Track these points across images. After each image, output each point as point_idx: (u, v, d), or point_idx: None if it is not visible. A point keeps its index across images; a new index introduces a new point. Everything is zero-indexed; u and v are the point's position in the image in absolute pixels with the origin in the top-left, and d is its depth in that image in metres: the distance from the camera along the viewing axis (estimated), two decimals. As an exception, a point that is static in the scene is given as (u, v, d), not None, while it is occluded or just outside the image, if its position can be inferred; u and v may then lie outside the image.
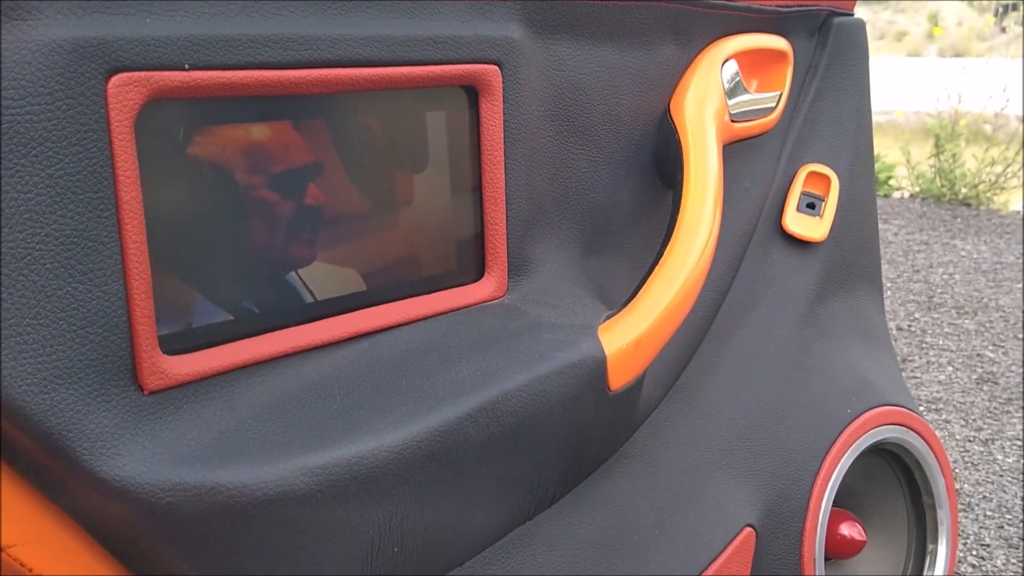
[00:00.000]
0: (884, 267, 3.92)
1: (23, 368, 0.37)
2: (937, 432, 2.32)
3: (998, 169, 5.16)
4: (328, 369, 0.48)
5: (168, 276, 0.43)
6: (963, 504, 2.04)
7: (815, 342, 0.81)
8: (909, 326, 3.20)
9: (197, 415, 0.43)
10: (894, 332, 3.15)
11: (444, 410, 0.47)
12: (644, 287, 0.59)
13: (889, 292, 3.58)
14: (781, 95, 0.78)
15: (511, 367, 0.50)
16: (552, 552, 0.60)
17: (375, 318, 0.51)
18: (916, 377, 2.76)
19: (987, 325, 3.19)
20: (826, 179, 0.81)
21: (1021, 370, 2.79)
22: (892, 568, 0.87)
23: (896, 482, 0.87)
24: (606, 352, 0.54)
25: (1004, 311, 3.33)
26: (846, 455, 0.77)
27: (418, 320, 0.53)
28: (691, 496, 0.70)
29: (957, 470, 2.19)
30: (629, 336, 0.56)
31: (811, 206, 0.81)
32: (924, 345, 3.02)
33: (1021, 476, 2.16)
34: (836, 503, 0.83)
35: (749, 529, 0.71)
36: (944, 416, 2.49)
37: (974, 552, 1.86)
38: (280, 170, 0.45)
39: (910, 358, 2.91)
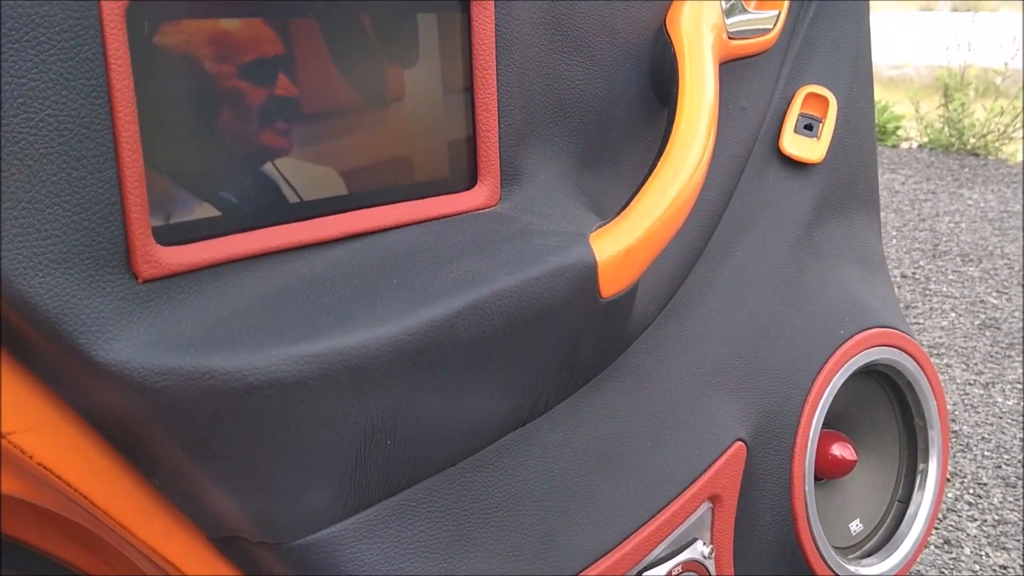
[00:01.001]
0: (890, 216, 3.90)
1: (19, 251, 0.38)
2: (938, 376, 2.33)
3: (1006, 119, 5.11)
4: (320, 267, 0.49)
5: (161, 168, 0.44)
6: (961, 445, 2.06)
7: (810, 264, 0.81)
8: (914, 273, 3.20)
9: (190, 305, 0.44)
10: (898, 280, 3.15)
11: (435, 307, 0.48)
12: (637, 198, 0.60)
13: (894, 240, 3.58)
14: (779, 14, 0.77)
15: (502, 269, 0.51)
16: (546, 458, 0.61)
17: (367, 220, 0.51)
18: (919, 323, 2.76)
19: (991, 272, 3.19)
20: (824, 100, 0.81)
21: (1023, 316, 2.79)
22: (883, 488, 0.89)
23: (888, 404, 0.88)
24: (597, 259, 0.55)
25: (1009, 259, 3.32)
26: (838, 375, 0.78)
27: (410, 224, 0.53)
28: (684, 411, 0.71)
29: (956, 412, 2.20)
30: (620, 244, 0.57)
31: (808, 127, 0.81)
32: (928, 292, 3.02)
33: (1020, 418, 2.18)
34: (829, 425, 0.84)
35: (740, 443, 0.72)
36: (945, 360, 2.50)
37: (971, 491, 1.89)
38: (274, 64, 0.45)
39: (913, 305, 2.91)
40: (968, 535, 1.74)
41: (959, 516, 1.80)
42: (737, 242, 0.79)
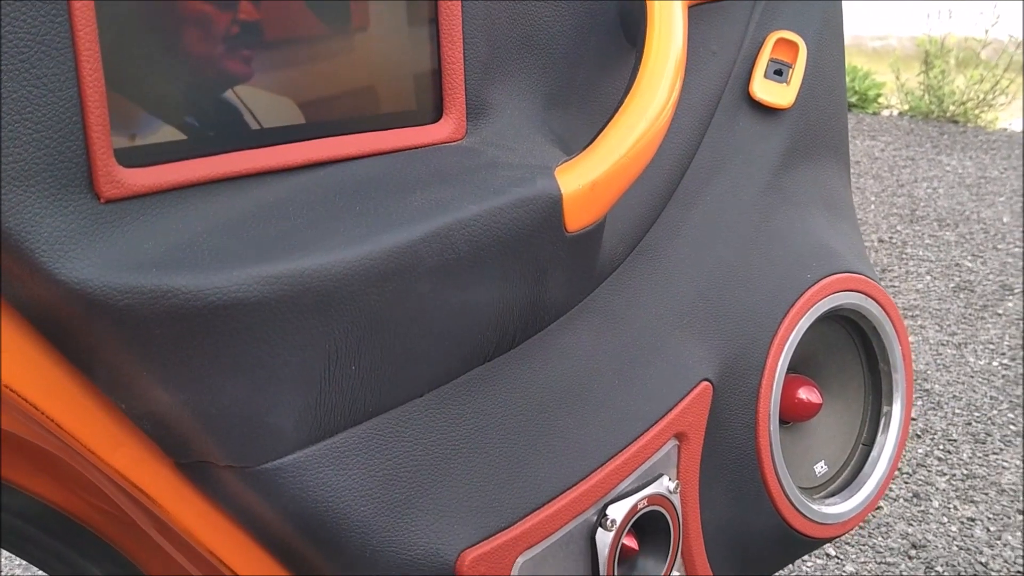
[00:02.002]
0: (869, 182, 3.93)
1: None
2: (912, 337, 2.37)
3: (986, 87, 5.14)
4: (283, 193, 0.49)
5: (123, 89, 0.44)
6: (933, 403, 2.10)
7: (778, 209, 0.82)
8: (891, 238, 3.23)
9: (153, 226, 0.44)
10: (875, 244, 3.18)
11: (398, 232, 0.48)
12: (603, 134, 0.60)
13: (873, 206, 3.61)
14: (750, -41, 0.78)
15: (466, 199, 0.51)
16: (514, 392, 0.62)
17: (331, 148, 0.52)
18: (894, 286, 2.80)
19: (967, 237, 3.22)
20: (794, 46, 0.81)
21: (998, 279, 2.83)
22: (848, 431, 0.90)
23: (854, 349, 0.90)
24: (562, 191, 0.55)
25: (985, 223, 3.36)
26: (804, 318, 0.79)
27: (374, 155, 0.53)
28: (652, 351, 0.72)
29: (929, 372, 2.24)
30: (586, 179, 0.57)
31: (778, 72, 0.81)
32: (904, 256, 3.05)
33: (991, 377, 2.22)
34: (795, 369, 0.85)
35: (706, 383, 0.73)
36: (920, 322, 2.54)
37: (941, 447, 1.93)
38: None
39: (890, 268, 2.94)
40: (937, 489, 1.78)
41: (928, 471, 1.84)
42: (707, 187, 0.80)
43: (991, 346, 2.38)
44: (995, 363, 2.29)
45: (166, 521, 0.54)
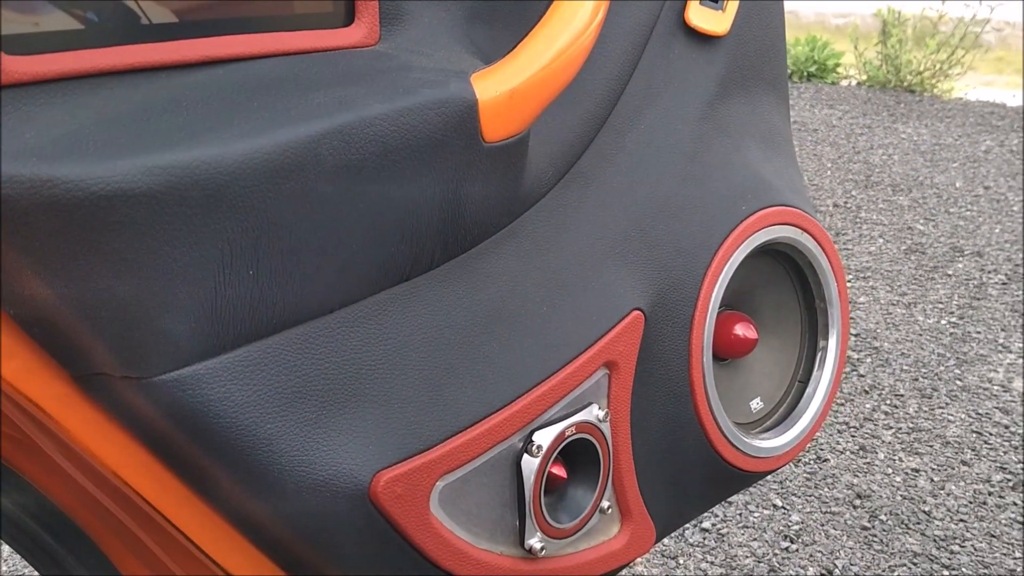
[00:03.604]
0: (826, 149, 3.95)
1: None
2: (863, 298, 2.39)
3: (942, 57, 5.19)
4: (178, 89, 0.47)
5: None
6: (881, 360, 2.13)
7: (714, 140, 0.81)
8: (845, 203, 3.26)
9: (36, 116, 0.42)
10: (831, 208, 3.21)
11: (295, 128, 0.46)
12: (523, 42, 0.58)
13: (829, 172, 3.63)
14: None
15: (373, 98, 0.49)
16: (434, 315, 0.60)
17: (232, 46, 0.49)
18: (848, 249, 2.82)
19: (920, 201, 3.25)
20: (729, -28, 0.80)
21: (949, 241, 2.86)
22: (784, 368, 0.90)
23: (790, 286, 0.89)
24: (478, 97, 0.53)
25: (938, 188, 3.40)
26: (738, 251, 0.78)
27: (279, 55, 0.51)
28: (582, 279, 0.70)
29: (879, 331, 2.27)
30: (504, 86, 0.55)
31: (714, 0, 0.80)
32: (858, 220, 3.08)
33: (938, 335, 2.25)
34: (731, 306, 0.84)
35: (638, 313, 0.72)
36: (871, 283, 2.56)
37: (888, 402, 1.95)
38: None
39: (843, 232, 2.97)
40: (883, 442, 1.80)
41: (875, 425, 1.86)
42: (641, 114, 0.78)
43: (940, 305, 2.41)
44: (943, 321, 2.32)
45: (66, 442, 0.52)
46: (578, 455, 0.70)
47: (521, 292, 0.67)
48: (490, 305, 0.65)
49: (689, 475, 0.81)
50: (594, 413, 0.69)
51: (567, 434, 0.67)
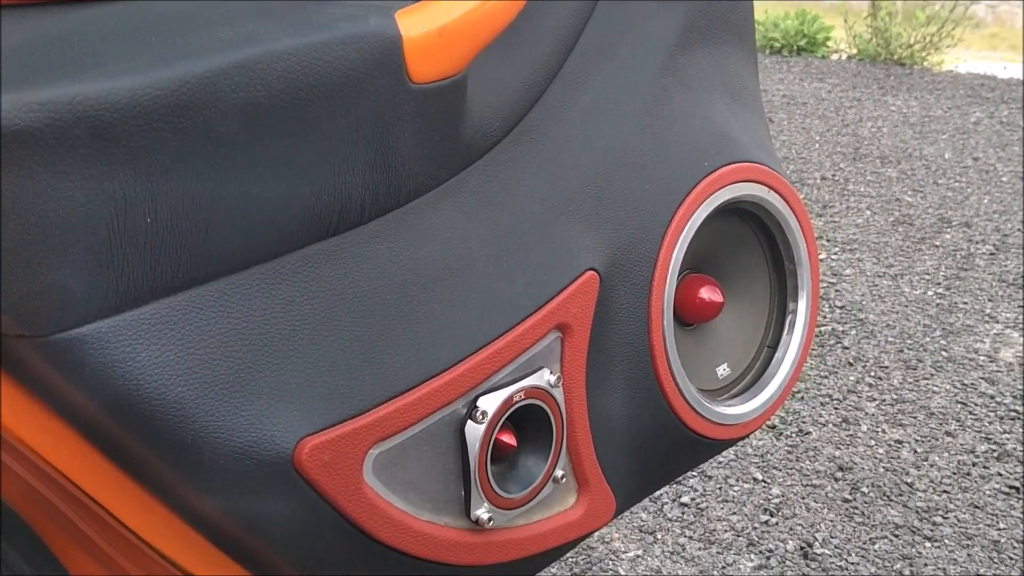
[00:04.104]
0: (815, 122, 3.91)
1: None
2: (848, 270, 2.36)
3: (932, 29, 5.14)
4: (69, 25, 0.43)
5: None
6: (866, 332, 2.10)
7: (675, 93, 0.77)
8: (833, 175, 3.22)
9: None
10: (818, 181, 3.17)
11: (193, 63, 0.42)
12: None
13: (817, 145, 3.59)
14: None
15: (283, 32, 0.46)
16: (369, 272, 0.56)
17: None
18: (835, 221, 2.79)
19: (908, 173, 3.22)
20: (690, -83, 0.75)
21: (937, 212, 2.83)
22: (752, 333, 0.87)
23: (758, 247, 0.86)
24: (403, 33, 0.49)
25: (927, 160, 3.36)
26: (700, 208, 0.75)
27: None
28: (532, 237, 0.67)
29: (864, 303, 2.24)
30: (433, 23, 0.51)
31: (674, -55, 0.76)
32: (846, 192, 3.05)
33: (924, 306, 2.22)
34: (697, 269, 0.81)
35: (592, 273, 0.68)
36: (858, 255, 2.53)
37: (872, 374, 1.92)
38: None
39: (831, 204, 2.93)
40: (866, 414, 1.77)
41: (859, 397, 1.83)
42: (597, 67, 0.74)
43: (927, 276, 2.38)
44: (930, 292, 2.29)
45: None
46: (530, 422, 0.67)
47: (465, 250, 0.64)
48: (431, 263, 0.61)
49: (651, 444, 0.77)
50: (545, 378, 0.66)
51: (515, 400, 0.63)
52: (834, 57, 5.49)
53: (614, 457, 0.75)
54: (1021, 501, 1.52)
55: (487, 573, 0.68)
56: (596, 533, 1.41)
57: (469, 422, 0.61)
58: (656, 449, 0.78)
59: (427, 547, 0.62)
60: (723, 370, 0.84)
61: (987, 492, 1.55)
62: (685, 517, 1.45)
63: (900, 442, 1.68)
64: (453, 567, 0.64)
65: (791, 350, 0.85)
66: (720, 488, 1.53)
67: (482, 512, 0.63)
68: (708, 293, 0.79)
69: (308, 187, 0.50)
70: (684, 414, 0.77)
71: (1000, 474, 1.59)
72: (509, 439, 0.65)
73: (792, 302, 0.85)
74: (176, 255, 0.46)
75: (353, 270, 0.56)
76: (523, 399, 0.64)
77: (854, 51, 5.41)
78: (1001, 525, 1.46)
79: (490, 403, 0.62)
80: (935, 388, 1.86)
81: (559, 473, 0.69)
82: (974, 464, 1.62)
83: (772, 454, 1.63)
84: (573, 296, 0.68)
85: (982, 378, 1.90)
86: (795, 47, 5.60)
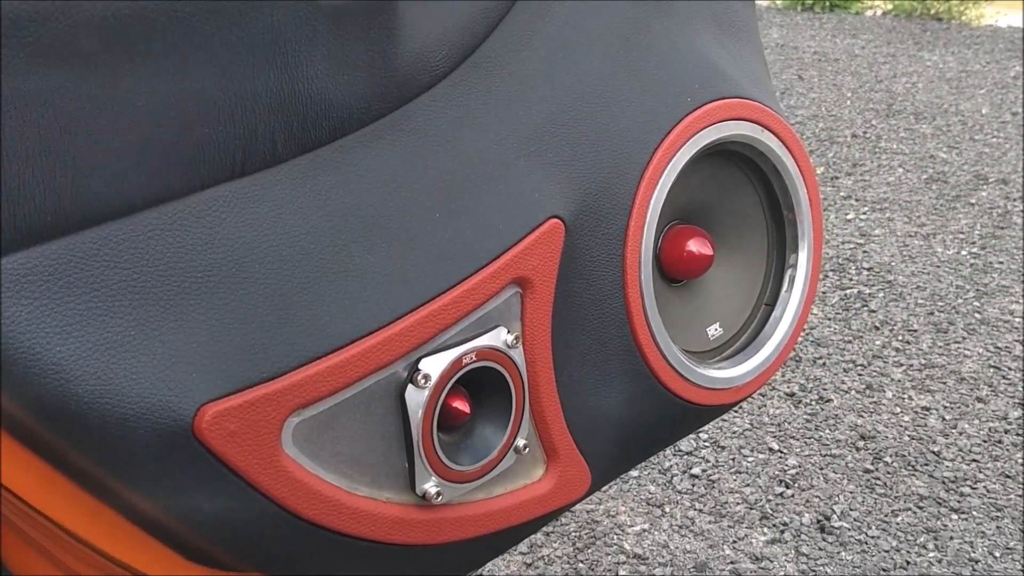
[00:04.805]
0: (847, 79, 3.77)
1: None
2: (878, 230, 2.26)
3: (973, -20, 4.93)
4: None
5: None
6: (895, 294, 2.00)
7: (655, 20, 0.69)
8: (865, 133, 3.09)
9: None
10: (849, 139, 3.05)
11: None
12: None
13: (849, 102, 3.46)
14: None
15: None
16: (288, 217, 0.50)
17: None
18: (865, 180, 2.67)
19: (943, 129, 3.08)
20: None
21: (972, 168, 2.70)
22: (748, 290, 0.79)
23: (755, 195, 0.78)
24: None
25: (963, 115, 3.22)
26: (681, 150, 0.67)
27: None
28: (486, 181, 0.60)
29: (894, 263, 2.13)
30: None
31: None
32: (878, 150, 2.92)
33: (957, 267, 2.11)
34: (685, 219, 0.73)
35: (556, 220, 0.61)
36: (888, 215, 2.42)
37: (900, 337, 1.83)
38: None
39: (861, 163, 2.81)
40: (892, 380, 1.68)
41: (884, 362, 1.74)
42: (564, -8, 0.67)
43: (960, 235, 2.26)
44: (964, 252, 2.18)
45: None
46: (488, 387, 0.60)
47: (406, 195, 0.57)
48: (364, 209, 0.55)
49: (630, 411, 0.71)
50: (502, 338, 0.59)
51: (465, 362, 0.57)
52: (868, 13, 5.30)
53: (589, 425, 0.69)
54: (1056, 470, 1.43)
55: (442, 553, 0.62)
56: (602, 507, 1.35)
57: (410, 387, 0.55)
58: (636, 416, 0.71)
59: (366, 526, 0.55)
60: (715, 330, 0.77)
61: (1019, 460, 1.46)
62: (695, 489, 1.38)
63: (927, 409, 1.59)
64: (400, 547, 0.58)
65: (790, 307, 0.78)
66: (733, 459, 1.45)
67: (429, 486, 0.57)
68: (696, 246, 0.71)
69: (202, 118, 0.44)
70: (666, 377, 0.70)
71: (1034, 442, 1.50)
72: (462, 405, 0.58)
73: (792, 254, 0.77)
74: (41, 196, 0.40)
75: (267, 214, 0.50)
76: (475, 361, 0.57)
77: (889, 6, 5.22)
78: (1034, 496, 1.37)
79: (434, 365, 0.55)
80: (967, 352, 1.77)
81: (521, 443, 0.62)
82: (1006, 431, 1.53)
83: (790, 423, 1.55)
84: (533, 247, 0.61)
85: (1017, 340, 1.79)
86: (828, 3, 5.41)
